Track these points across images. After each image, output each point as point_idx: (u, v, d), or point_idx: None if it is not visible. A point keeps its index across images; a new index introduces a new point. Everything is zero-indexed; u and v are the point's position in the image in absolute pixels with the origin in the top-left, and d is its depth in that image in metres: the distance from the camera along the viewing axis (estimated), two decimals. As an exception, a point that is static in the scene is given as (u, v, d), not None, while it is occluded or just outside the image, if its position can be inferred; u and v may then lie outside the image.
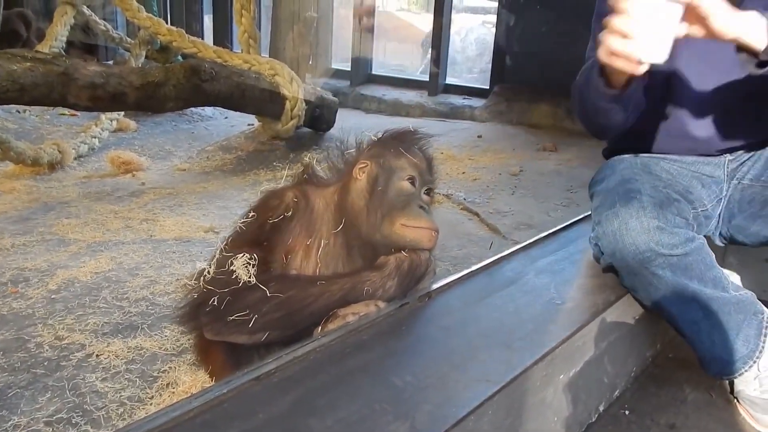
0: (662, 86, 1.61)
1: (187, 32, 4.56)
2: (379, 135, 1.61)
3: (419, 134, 1.62)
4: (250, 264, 1.35)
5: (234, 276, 1.35)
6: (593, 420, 1.63)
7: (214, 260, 1.42)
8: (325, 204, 1.55)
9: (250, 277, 1.34)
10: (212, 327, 1.38)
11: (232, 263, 1.36)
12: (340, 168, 1.61)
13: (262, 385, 1.13)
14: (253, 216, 1.47)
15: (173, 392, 1.73)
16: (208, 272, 1.40)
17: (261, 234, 1.45)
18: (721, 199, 1.69)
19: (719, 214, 1.70)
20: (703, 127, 1.64)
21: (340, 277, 1.42)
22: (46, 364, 1.90)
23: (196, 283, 1.42)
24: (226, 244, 1.44)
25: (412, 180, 1.52)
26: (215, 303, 1.33)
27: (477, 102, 6.17)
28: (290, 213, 1.48)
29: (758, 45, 1.26)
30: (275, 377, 1.15)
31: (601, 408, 1.66)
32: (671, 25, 1.23)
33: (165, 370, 1.88)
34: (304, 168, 1.65)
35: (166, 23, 4.69)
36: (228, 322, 1.32)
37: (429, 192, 1.55)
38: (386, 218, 1.47)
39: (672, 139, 1.67)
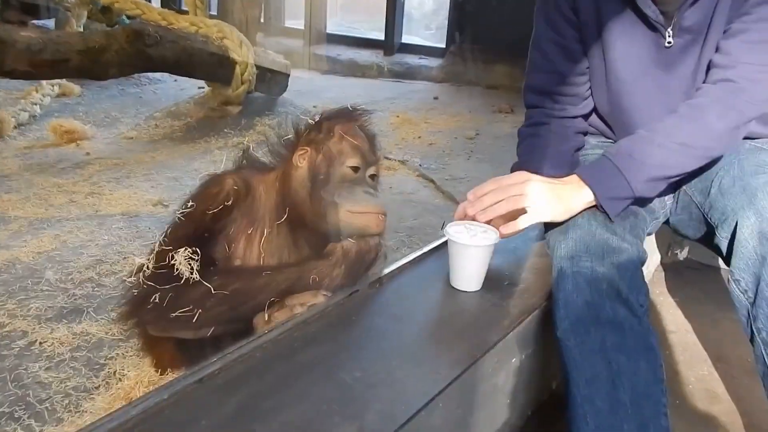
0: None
1: (130, -8, 4.35)
2: (317, 117, 1.54)
3: (359, 112, 1.55)
4: (191, 258, 1.30)
5: (175, 271, 1.29)
6: (545, 398, 1.64)
7: (154, 254, 1.36)
8: (267, 190, 1.49)
9: (192, 272, 1.28)
10: (156, 324, 1.33)
11: (173, 257, 1.31)
12: (280, 152, 1.54)
13: (205, 388, 1.08)
14: (192, 206, 1.40)
15: (120, 381, 1.69)
16: (148, 267, 1.34)
17: (201, 225, 1.39)
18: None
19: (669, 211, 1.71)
20: None
21: (286, 267, 1.38)
22: (-14, 353, 1.83)
23: (136, 278, 1.36)
24: (165, 237, 1.38)
25: (355, 165, 1.47)
26: (157, 299, 1.28)
27: (434, 62, 6.09)
28: (231, 201, 1.42)
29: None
30: (219, 379, 1.11)
31: (554, 385, 1.67)
32: (480, 262, 1.43)
33: (112, 357, 1.82)
34: (243, 152, 1.58)
35: (108, -18, 4.47)
36: (172, 318, 1.27)
37: (373, 175, 1.50)
38: (331, 206, 1.42)
39: None
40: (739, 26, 1.43)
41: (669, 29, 1.50)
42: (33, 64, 3.31)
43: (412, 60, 6.21)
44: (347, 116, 1.53)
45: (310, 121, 1.52)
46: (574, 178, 1.46)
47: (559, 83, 1.66)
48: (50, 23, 5.77)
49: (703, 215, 1.54)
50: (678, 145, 1.42)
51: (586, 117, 1.74)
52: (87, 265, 2.34)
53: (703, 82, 1.51)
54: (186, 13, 4.26)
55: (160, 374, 1.49)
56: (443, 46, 6.14)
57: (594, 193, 1.43)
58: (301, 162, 1.48)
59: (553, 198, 1.43)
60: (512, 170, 1.63)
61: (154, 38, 3.56)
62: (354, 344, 1.24)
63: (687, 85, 1.55)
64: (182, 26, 3.93)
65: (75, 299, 2.12)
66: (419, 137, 4.15)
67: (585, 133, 1.75)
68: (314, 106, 4.64)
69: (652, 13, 1.49)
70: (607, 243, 1.38)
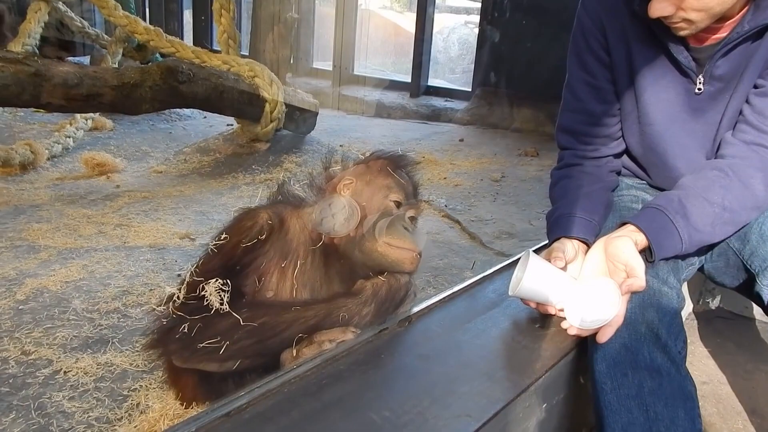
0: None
1: (165, 31, 4.48)
2: (367, 154, 1.57)
3: (407, 159, 1.59)
4: (222, 289, 1.30)
5: (205, 302, 1.29)
6: (575, 446, 1.60)
7: (185, 284, 1.36)
8: (302, 224, 1.50)
9: (222, 304, 1.28)
10: (182, 354, 1.32)
11: (203, 288, 1.30)
12: (321, 186, 1.56)
13: (232, 422, 1.07)
14: (225, 238, 1.41)
15: (143, 413, 1.67)
16: (178, 297, 1.34)
17: (233, 257, 1.39)
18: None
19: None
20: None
21: (315, 303, 1.37)
22: (11, 381, 1.83)
23: (165, 308, 1.36)
24: (197, 268, 1.38)
25: (397, 200, 1.48)
26: (185, 330, 1.27)
27: (459, 104, 6.14)
28: (264, 235, 1.43)
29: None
30: (246, 413, 1.10)
31: (584, 433, 1.63)
32: None
33: (135, 389, 1.81)
34: (279, 188, 1.60)
35: (144, 21, 4.60)
36: (198, 349, 1.27)
37: (412, 217, 1.51)
38: (368, 235, 1.42)
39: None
40: None
41: (700, 76, 1.50)
42: (68, 98, 3.37)
43: (438, 102, 6.25)
44: (397, 158, 1.57)
45: (360, 155, 1.54)
46: (630, 229, 1.40)
47: (590, 124, 1.66)
48: (86, 60, 5.94)
49: (742, 262, 1.50)
50: (728, 213, 1.41)
51: (618, 156, 1.73)
52: (113, 296, 2.35)
53: (733, 134, 1.50)
54: (219, 52, 4.35)
55: (185, 407, 1.47)
56: (469, 89, 6.19)
57: (654, 252, 1.38)
58: (345, 191, 1.49)
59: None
60: (547, 217, 1.62)
61: (186, 75, 3.63)
62: (383, 383, 1.23)
63: (714, 131, 1.55)
64: (215, 64, 4.02)
65: (101, 329, 2.12)
66: (444, 178, 4.16)
67: (618, 173, 1.74)
68: (341, 145, 4.68)
69: (684, 59, 1.49)
70: (647, 284, 1.35)
